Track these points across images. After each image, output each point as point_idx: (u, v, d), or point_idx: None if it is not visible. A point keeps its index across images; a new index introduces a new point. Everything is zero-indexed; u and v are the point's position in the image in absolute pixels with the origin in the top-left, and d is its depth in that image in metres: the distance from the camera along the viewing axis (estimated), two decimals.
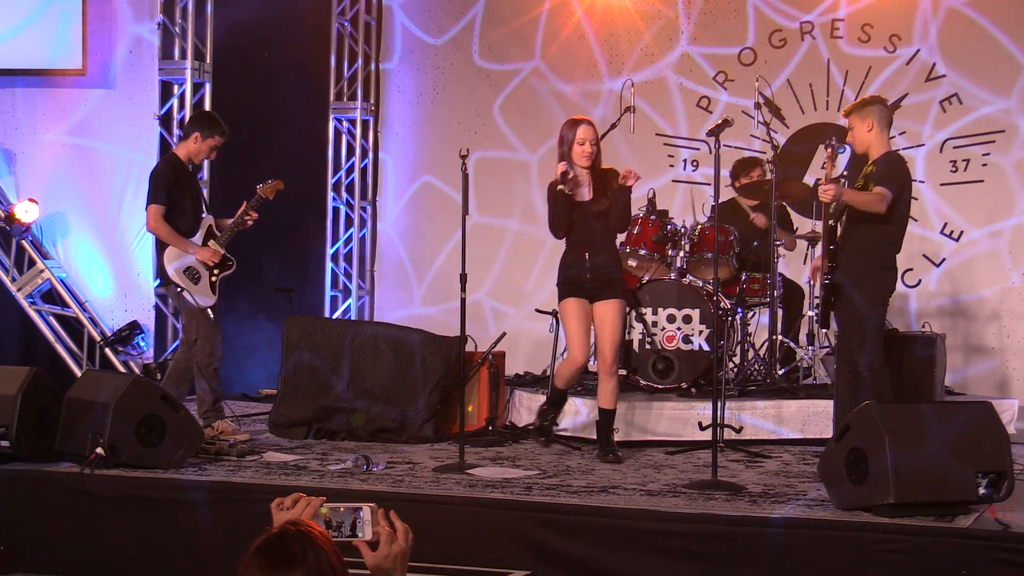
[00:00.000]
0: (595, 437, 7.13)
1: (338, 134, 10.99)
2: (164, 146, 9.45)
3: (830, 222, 6.60)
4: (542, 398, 7.81)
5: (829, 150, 6.52)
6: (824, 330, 6.71)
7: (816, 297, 8.79)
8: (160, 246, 7.70)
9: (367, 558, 2.77)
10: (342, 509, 2.82)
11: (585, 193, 6.93)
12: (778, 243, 8.36)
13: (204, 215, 7.73)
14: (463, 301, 6.78)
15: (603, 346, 6.94)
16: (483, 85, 10.76)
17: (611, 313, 6.92)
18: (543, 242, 10.12)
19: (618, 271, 7.08)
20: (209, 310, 7.60)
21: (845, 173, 6.55)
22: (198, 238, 7.64)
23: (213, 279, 7.62)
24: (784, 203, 8.94)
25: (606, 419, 7.01)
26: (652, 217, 8.31)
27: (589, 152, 6.83)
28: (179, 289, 7.53)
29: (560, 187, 6.82)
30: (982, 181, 9.69)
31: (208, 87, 9.48)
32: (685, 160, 10.31)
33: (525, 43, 10.67)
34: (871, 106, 6.67)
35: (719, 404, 6.93)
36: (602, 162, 7.03)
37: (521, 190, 10.65)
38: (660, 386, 8.08)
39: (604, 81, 10.46)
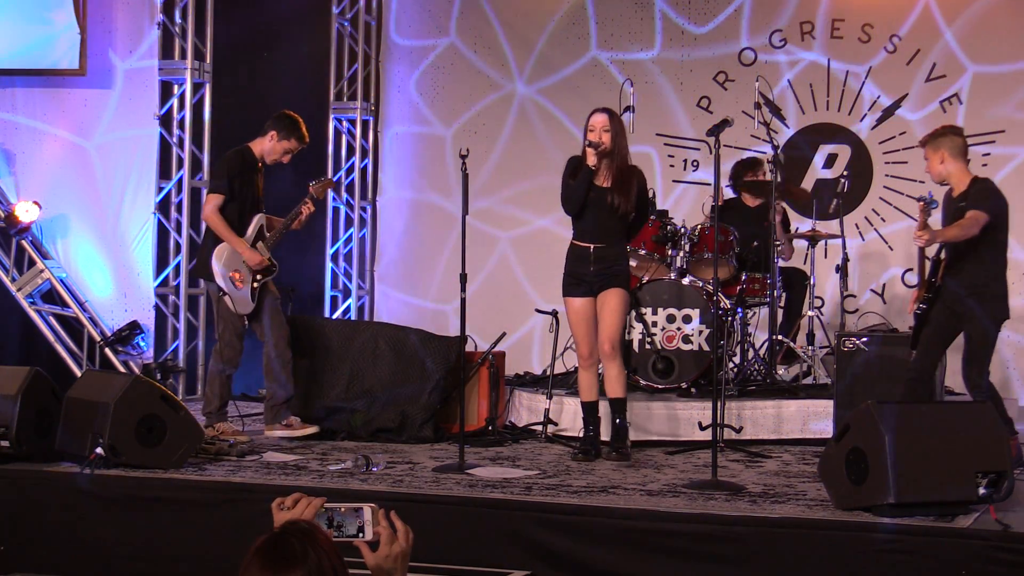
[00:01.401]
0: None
1: (338, 134, 10.99)
2: (164, 146, 9.45)
3: (927, 257, 6.74)
4: (542, 398, 7.81)
5: (921, 204, 6.61)
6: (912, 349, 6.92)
7: (813, 298, 8.82)
8: (210, 238, 7.50)
9: (367, 558, 2.77)
10: (342, 509, 2.82)
11: (602, 179, 6.96)
12: (778, 244, 8.36)
13: (259, 215, 7.56)
14: (463, 301, 6.78)
15: (600, 333, 6.93)
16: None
17: (611, 300, 6.91)
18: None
19: (623, 266, 7.04)
20: (246, 318, 7.51)
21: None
22: (247, 238, 7.48)
23: (255, 285, 7.48)
24: (784, 204, 8.94)
25: (615, 408, 6.97)
26: (652, 217, 8.30)
27: (596, 137, 6.88)
28: (221, 293, 7.44)
29: (588, 150, 6.87)
30: None
31: (208, 87, 9.48)
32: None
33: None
34: (941, 137, 6.79)
35: (719, 404, 6.93)
36: (628, 158, 7.06)
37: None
38: (660, 386, 8.07)
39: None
